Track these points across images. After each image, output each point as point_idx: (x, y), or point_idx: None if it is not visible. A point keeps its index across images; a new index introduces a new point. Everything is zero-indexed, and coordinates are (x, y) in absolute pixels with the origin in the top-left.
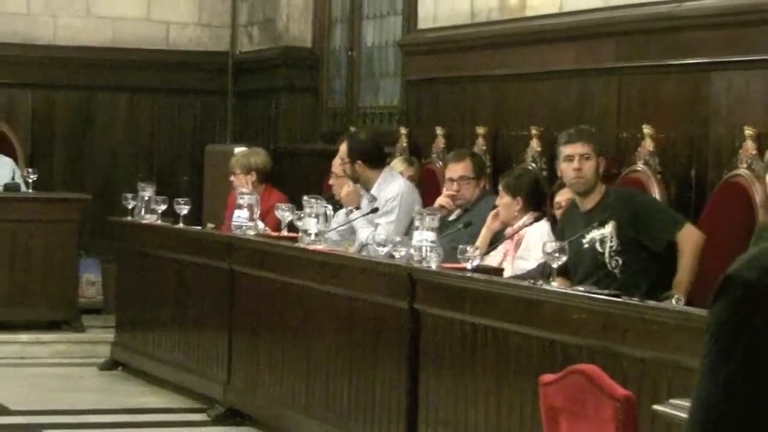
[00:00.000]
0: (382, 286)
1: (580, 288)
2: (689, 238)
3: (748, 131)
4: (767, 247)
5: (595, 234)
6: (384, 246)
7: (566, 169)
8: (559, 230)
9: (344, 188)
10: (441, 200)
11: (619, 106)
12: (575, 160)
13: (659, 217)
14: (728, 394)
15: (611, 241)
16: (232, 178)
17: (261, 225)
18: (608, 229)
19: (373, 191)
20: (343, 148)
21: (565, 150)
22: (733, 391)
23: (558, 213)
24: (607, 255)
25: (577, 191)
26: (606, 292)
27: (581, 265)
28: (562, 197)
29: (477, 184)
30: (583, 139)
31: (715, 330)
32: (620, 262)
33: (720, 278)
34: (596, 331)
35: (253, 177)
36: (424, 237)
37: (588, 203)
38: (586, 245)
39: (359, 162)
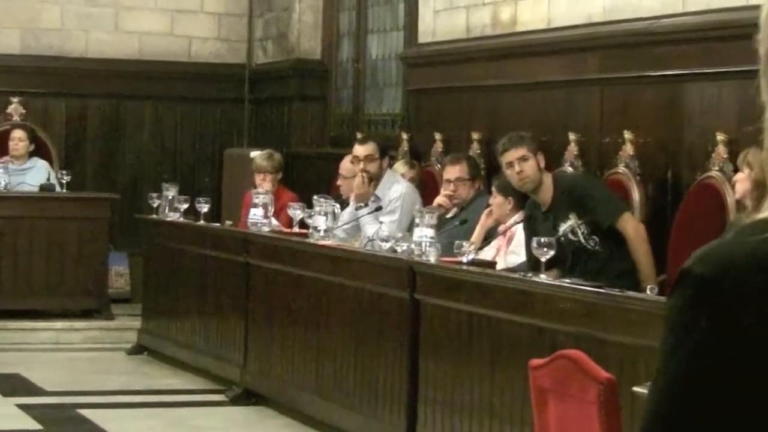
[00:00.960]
0: (385, 278)
1: (567, 280)
2: (632, 227)
3: (720, 137)
4: (722, 242)
5: (564, 228)
6: (387, 241)
7: (511, 175)
8: (527, 230)
9: (358, 186)
10: (439, 200)
11: (602, 114)
12: (515, 164)
13: (600, 203)
14: (675, 387)
15: (580, 228)
16: (259, 177)
17: (274, 222)
18: (572, 220)
19: (377, 191)
20: (372, 147)
21: (504, 158)
22: (679, 384)
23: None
24: (582, 240)
25: (526, 191)
26: (589, 283)
27: (565, 257)
28: None
29: (472, 185)
30: (516, 145)
31: (669, 322)
32: (597, 240)
33: (678, 271)
34: (581, 319)
35: (280, 175)
36: (424, 233)
37: (544, 198)
38: (563, 239)
39: (387, 158)
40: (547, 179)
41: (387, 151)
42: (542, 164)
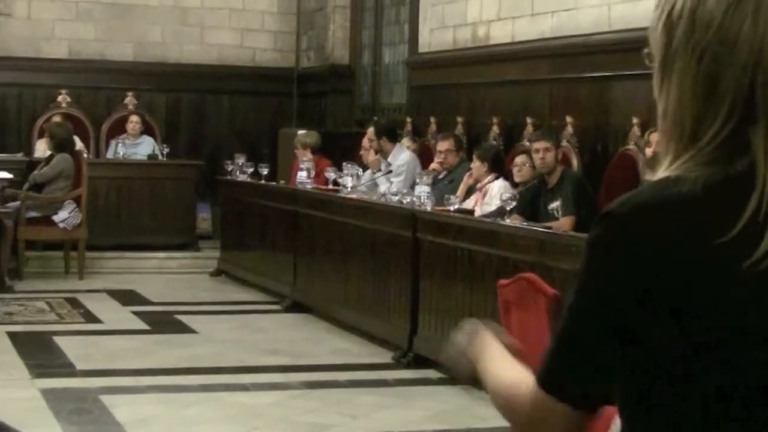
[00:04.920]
0: (394, 221)
1: (525, 223)
2: (563, 224)
3: (635, 120)
4: (639, 191)
5: (552, 205)
6: (396, 195)
7: (535, 158)
8: (529, 191)
9: (371, 157)
10: (433, 165)
11: (551, 104)
12: (540, 152)
13: (567, 199)
14: (589, 295)
15: (559, 209)
16: (295, 150)
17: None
18: (559, 201)
19: (389, 159)
20: (371, 130)
21: (533, 146)
22: (590, 295)
23: (514, 171)
24: (560, 218)
25: (542, 173)
26: (542, 224)
27: (547, 221)
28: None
29: (457, 154)
30: (544, 138)
31: (589, 247)
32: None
33: (604, 209)
34: (535, 251)
35: (307, 151)
36: (423, 189)
37: (551, 181)
38: (551, 211)
39: (383, 138)
40: (559, 169)
41: (385, 131)
42: (560, 157)
